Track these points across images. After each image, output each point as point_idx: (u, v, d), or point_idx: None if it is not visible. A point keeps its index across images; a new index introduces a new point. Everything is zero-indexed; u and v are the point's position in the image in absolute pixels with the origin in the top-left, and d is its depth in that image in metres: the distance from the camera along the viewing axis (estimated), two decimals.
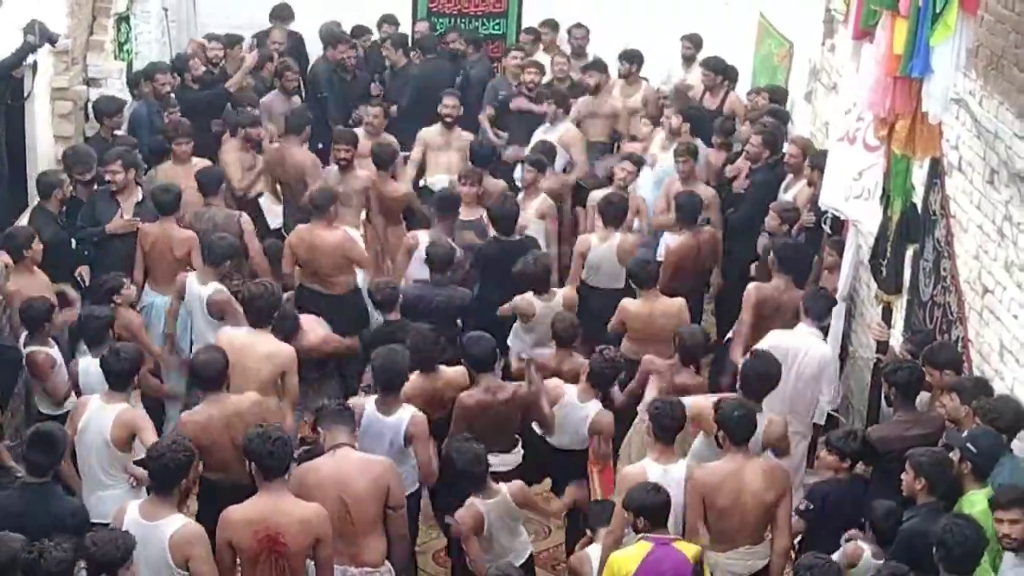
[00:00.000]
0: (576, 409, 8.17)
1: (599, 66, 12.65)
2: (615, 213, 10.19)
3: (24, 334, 8.33)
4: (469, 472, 7.25)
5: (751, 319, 9.24)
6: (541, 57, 13.48)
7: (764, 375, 7.71)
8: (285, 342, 8.46)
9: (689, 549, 6.65)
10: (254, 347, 8.20)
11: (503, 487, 7.34)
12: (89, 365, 8.15)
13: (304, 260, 9.84)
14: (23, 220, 9.89)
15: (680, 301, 9.39)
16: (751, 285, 9.48)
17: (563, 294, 9.51)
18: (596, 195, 10.80)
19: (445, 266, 9.46)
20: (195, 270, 9.34)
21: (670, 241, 10.35)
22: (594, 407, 8.14)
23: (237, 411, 7.57)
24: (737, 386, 7.86)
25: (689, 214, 10.22)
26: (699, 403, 7.67)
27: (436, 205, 10.33)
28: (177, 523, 6.51)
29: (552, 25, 13.87)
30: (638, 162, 11.07)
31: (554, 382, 8.28)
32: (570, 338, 8.77)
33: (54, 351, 8.29)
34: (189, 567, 6.47)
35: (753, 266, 10.07)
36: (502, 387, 8.09)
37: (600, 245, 10.11)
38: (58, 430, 7.06)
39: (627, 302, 9.43)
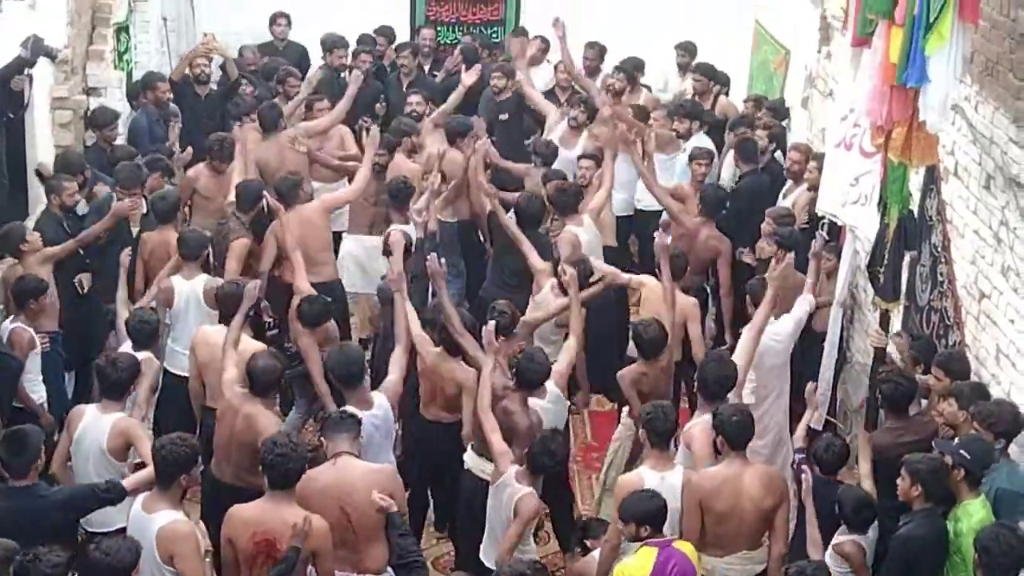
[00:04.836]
0: (551, 410, 8.08)
1: (629, 73, 12.62)
2: (571, 200, 10.22)
3: (9, 319, 8.52)
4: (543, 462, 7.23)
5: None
6: (545, 66, 13.49)
7: (721, 378, 7.71)
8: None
9: (686, 546, 6.73)
10: None
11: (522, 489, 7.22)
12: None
13: (293, 244, 9.68)
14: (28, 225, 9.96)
15: (694, 300, 9.42)
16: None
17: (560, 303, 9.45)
18: None
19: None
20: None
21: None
22: (553, 400, 8.07)
23: (251, 424, 7.51)
24: (695, 390, 7.95)
25: (713, 206, 10.28)
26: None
27: (390, 195, 10.42)
28: (167, 518, 6.52)
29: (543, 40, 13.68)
30: (594, 159, 11.06)
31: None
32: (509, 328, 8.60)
33: (36, 336, 8.46)
34: (174, 564, 6.47)
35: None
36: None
37: (585, 233, 10.08)
38: (30, 429, 7.06)
39: (645, 277, 9.45)
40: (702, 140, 11.71)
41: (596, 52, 13.25)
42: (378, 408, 7.74)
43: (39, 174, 10.51)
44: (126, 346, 8.35)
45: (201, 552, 6.58)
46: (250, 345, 8.31)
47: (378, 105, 13.09)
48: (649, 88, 13.30)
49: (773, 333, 8.67)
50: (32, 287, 8.57)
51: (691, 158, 11.14)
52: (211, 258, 9.63)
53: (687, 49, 13.49)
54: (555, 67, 13.13)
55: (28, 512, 6.73)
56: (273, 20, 13.99)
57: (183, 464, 6.65)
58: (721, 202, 10.42)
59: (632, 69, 12.81)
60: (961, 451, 6.76)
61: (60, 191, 9.70)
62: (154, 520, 6.53)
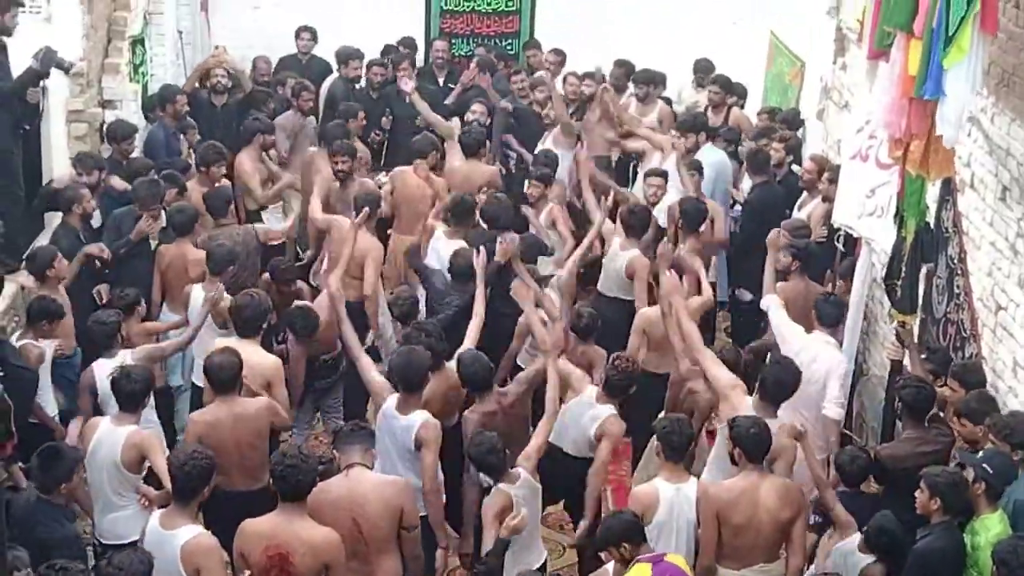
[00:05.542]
0: (586, 407, 8.14)
1: (597, 77, 12.73)
2: (638, 224, 10.16)
3: (16, 335, 8.53)
4: (487, 463, 7.23)
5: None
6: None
7: (783, 382, 7.73)
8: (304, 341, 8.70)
9: (679, 559, 6.67)
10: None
11: (520, 469, 7.33)
12: (105, 368, 8.14)
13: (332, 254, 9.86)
14: (42, 241, 9.96)
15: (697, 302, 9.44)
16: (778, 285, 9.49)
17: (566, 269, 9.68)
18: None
19: (467, 277, 9.39)
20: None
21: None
22: (606, 411, 8.08)
23: (245, 413, 7.64)
24: (755, 389, 7.89)
25: (693, 221, 10.24)
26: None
27: (452, 211, 10.32)
28: (190, 533, 6.50)
29: (557, 52, 13.86)
30: (665, 176, 10.98)
31: (580, 373, 8.30)
32: (590, 331, 8.82)
33: (47, 351, 8.39)
34: None
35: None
36: (504, 394, 8.09)
37: (619, 252, 10.10)
38: (68, 449, 7.13)
39: (646, 310, 9.44)
40: (712, 152, 11.68)
41: (623, 72, 13.27)
42: (408, 422, 7.64)
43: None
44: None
45: (225, 565, 6.59)
46: (264, 359, 8.33)
47: (384, 119, 13.12)
48: (669, 101, 13.30)
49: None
50: (52, 310, 8.47)
51: (645, 175, 11.07)
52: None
53: (705, 69, 13.49)
54: (563, 79, 13.19)
55: (44, 526, 6.77)
56: (297, 34, 14.02)
57: (206, 477, 6.64)
58: (700, 217, 10.29)
59: (648, 81, 12.85)
60: (984, 465, 6.72)
61: (81, 199, 9.72)
62: (176, 536, 6.50)
